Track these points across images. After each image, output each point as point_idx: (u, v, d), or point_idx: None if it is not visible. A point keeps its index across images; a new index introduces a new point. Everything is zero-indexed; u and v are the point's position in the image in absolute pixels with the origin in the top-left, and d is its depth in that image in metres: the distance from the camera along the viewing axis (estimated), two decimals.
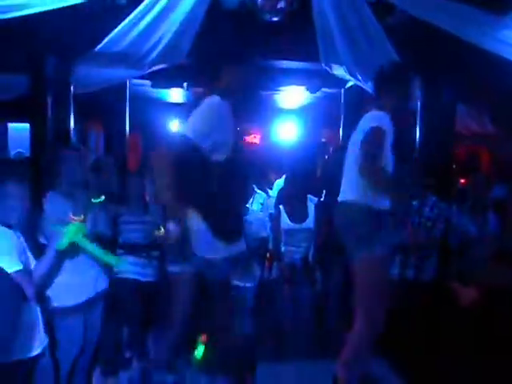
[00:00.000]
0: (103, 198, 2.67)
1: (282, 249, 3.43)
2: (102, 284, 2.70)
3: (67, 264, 2.40)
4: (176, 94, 6.48)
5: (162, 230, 3.36)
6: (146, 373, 3.25)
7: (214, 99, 2.02)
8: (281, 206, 3.50)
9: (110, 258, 2.45)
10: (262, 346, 3.21)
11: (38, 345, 2.08)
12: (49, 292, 2.38)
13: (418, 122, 4.16)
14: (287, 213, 3.48)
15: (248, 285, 3.32)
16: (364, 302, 2.20)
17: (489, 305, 2.84)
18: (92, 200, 2.68)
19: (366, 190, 2.21)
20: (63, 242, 2.18)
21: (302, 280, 3.41)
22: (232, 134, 2.07)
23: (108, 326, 3.24)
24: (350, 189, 2.28)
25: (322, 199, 3.80)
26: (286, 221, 3.46)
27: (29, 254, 2.21)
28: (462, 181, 5.56)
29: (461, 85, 4.31)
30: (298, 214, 3.48)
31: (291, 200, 3.53)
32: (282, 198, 3.64)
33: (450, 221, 3.22)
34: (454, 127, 4.33)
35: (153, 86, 5.37)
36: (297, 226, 3.45)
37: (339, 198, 2.34)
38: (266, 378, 2.63)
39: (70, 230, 2.21)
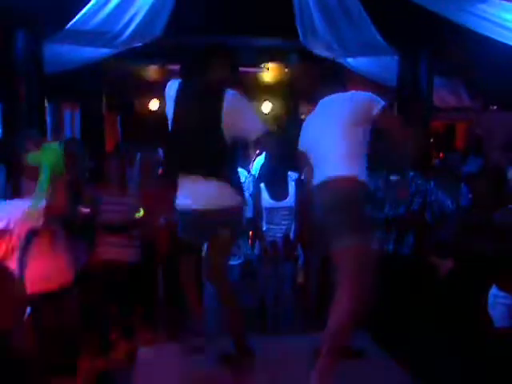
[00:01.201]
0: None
1: (264, 227, 3.46)
2: None
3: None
4: (153, 72, 6.35)
5: (142, 211, 3.38)
6: (132, 352, 3.31)
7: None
8: (261, 184, 3.50)
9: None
10: (245, 322, 3.29)
11: None
12: None
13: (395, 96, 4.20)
14: (268, 191, 3.49)
15: (234, 262, 3.37)
16: (355, 283, 2.14)
17: (464, 274, 2.95)
18: None
19: (363, 166, 2.21)
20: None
21: (284, 258, 3.45)
22: None
23: (94, 307, 3.26)
24: (346, 165, 2.18)
25: (302, 176, 3.81)
26: (266, 199, 3.48)
27: None
28: (441, 155, 5.66)
29: (438, 58, 4.34)
30: (278, 192, 3.49)
31: (271, 178, 3.54)
32: (262, 175, 3.65)
33: (428, 196, 3.29)
34: (431, 102, 4.37)
35: (128, 64, 5.25)
36: (278, 203, 3.47)
37: (330, 174, 2.19)
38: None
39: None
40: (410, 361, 2.52)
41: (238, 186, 2.36)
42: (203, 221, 2.30)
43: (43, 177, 2.04)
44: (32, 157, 2.09)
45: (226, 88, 2.23)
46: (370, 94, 2.26)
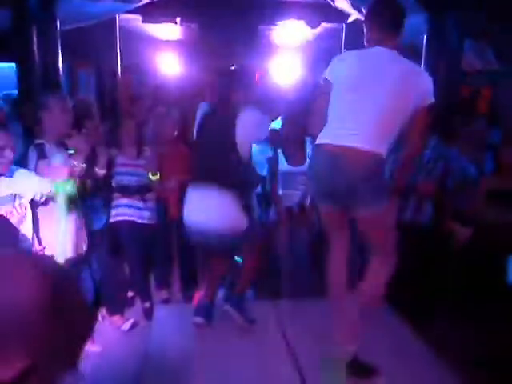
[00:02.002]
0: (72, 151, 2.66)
1: (280, 192, 3.41)
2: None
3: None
4: (169, 30, 6.17)
5: (158, 174, 3.35)
6: (149, 311, 3.38)
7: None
8: (278, 150, 3.44)
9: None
10: (261, 286, 3.31)
11: None
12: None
13: (422, 59, 4.01)
14: (285, 155, 3.42)
15: None
16: (387, 247, 2.16)
17: (483, 242, 2.90)
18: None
19: (387, 141, 2.05)
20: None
21: (299, 223, 3.42)
22: None
23: (110, 268, 3.32)
24: (375, 139, 2.02)
25: None
26: (283, 163, 3.42)
27: None
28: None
29: (466, 19, 4.11)
30: (295, 157, 3.42)
31: (288, 142, 3.46)
32: (278, 139, 3.58)
33: (450, 162, 3.20)
34: (460, 65, 4.18)
35: (144, 22, 5.08)
36: (294, 168, 3.41)
37: (356, 144, 2.00)
38: (267, 316, 2.72)
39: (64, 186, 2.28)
40: (427, 329, 2.51)
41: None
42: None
43: (61, 206, 2.32)
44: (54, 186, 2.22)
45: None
46: (431, 83, 2.09)
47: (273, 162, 3.44)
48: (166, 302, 3.60)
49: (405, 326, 2.59)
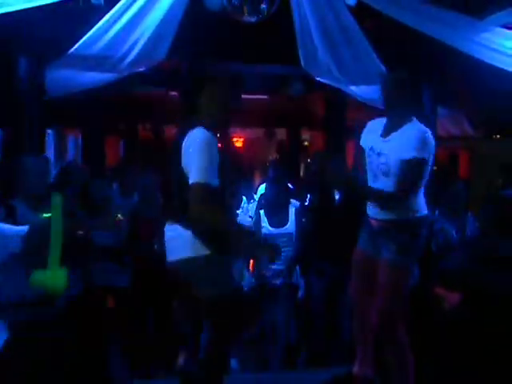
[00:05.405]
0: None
1: None
2: None
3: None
4: (157, 98, 6.38)
5: (119, 216, 3.27)
6: None
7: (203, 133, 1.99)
8: (261, 211, 3.45)
9: None
10: (244, 354, 3.17)
11: None
12: None
13: None
14: (267, 218, 3.43)
15: None
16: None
17: (471, 308, 2.84)
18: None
19: None
20: None
21: (284, 286, 3.36)
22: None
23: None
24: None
25: (306, 203, 3.77)
26: (266, 226, 3.42)
27: None
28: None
29: (440, 88, 4.33)
30: (278, 219, 3.43)
31: (272, 204, 3.48)
32: (262, 203, 3.60)
33: (433, 226, 3.22)
34: (435, 131, 4.34)
35: (132, 90, 5.25)
36: (277, 230, 3.40)
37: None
38: None
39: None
40: None
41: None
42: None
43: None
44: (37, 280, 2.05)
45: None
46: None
47: (255, 223, 3.43)
48: (145, 376, 3.40)
49: None
